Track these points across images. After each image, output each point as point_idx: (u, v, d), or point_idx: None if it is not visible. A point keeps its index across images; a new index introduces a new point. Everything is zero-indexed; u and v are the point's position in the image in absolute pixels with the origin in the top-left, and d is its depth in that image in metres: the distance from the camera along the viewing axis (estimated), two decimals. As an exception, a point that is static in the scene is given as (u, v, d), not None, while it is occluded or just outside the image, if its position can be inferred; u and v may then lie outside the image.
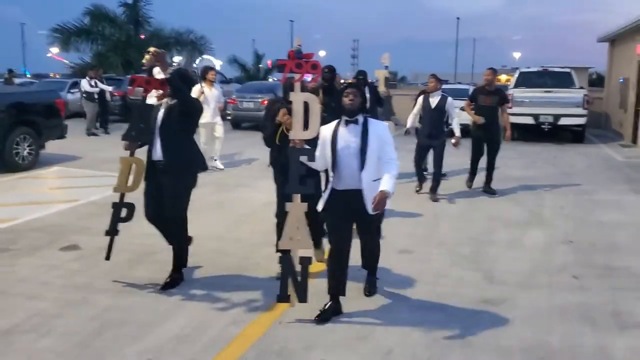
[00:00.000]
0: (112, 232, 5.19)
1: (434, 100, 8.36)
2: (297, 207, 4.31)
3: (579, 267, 5.59)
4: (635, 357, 3.84)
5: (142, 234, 5.78)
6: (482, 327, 4.26)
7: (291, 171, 4.31)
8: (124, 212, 5.11)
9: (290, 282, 4.28)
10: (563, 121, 15.82)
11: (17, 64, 64.52)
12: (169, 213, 4.95)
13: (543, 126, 15.91)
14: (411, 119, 8.86)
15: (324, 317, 4.30)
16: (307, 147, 4.30)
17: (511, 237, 6.64)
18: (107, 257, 5.27)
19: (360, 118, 4.28)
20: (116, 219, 5.12)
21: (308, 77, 4.90)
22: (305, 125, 4.32)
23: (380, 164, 4.24)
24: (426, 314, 4.47)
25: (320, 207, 4.40)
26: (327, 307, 4.36)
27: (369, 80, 9.69)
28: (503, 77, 37.83)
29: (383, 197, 4.07)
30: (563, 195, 8.98)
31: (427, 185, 8.73)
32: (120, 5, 26.04)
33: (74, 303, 4.61)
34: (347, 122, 4.27)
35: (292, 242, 4.31)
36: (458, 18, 69.01)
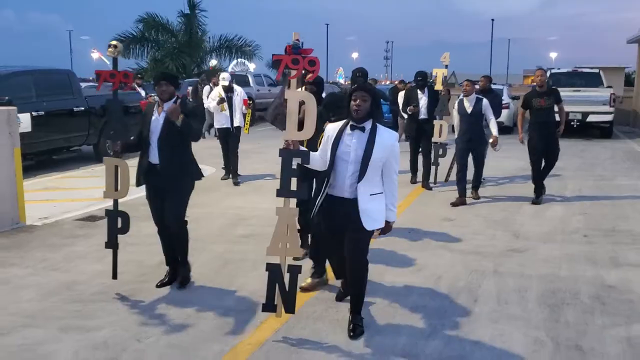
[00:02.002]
0: (112, 244, 5.05)
1: (469, 105, 8.23)
2: (286, 213, 4.12)
3: (589, 230, 6.95)
4: (622, 282, 5.21)
5: (233, 207, 7.32)
6: (509, 264, 5.71)
7: (282, 174, 4.08)
8: (119, 223, 5.00)
9: (277, 291, 4.13)
10: (591, 118, 16.98)
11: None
12: (169, 218, 4.98)
13: (572, 123, 17.07)
14: (454, 123, 8.64)
15: (341, 294, 4.71)
16: (302, 149, 4.11)
17: (535, 210, 8.02)
18: (114, 276, 5.14)
19: (369, 125, 3.96)
20: (113, 230, 5.01)
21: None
22: (300, 126, 4.10)
23: (380, 177, 4.01)
24: (466, 256, 5.93)
25: (313, 213, 4.24)
26: (342, 286, 4.71)
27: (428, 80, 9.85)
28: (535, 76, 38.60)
29: (389, 228, 4.16)
30: (584, 180, 10.27)
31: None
32: (180, 15, 27.98)
33: (197, 250, 6.14)
34: (353, 127, 3.97)
35: (281, 249, 4.13)
36: (493, 19, 69.64)
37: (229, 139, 10.24)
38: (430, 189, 9.39)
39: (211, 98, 10.43)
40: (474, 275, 5.39)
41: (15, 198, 7.11)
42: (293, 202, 4.23)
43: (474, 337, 4.14)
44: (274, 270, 4.09)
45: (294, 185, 4.18)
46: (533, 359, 3.83)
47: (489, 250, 6.16)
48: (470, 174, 8.47)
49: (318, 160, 4.16)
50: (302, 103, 4.18)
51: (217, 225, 7.24)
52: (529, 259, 5.88)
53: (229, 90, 10.19)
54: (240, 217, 7.62)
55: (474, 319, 4.45)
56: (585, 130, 17.28)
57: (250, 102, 11.23)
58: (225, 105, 10.06)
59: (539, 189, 8.51)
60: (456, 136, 8.55)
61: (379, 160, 3.92)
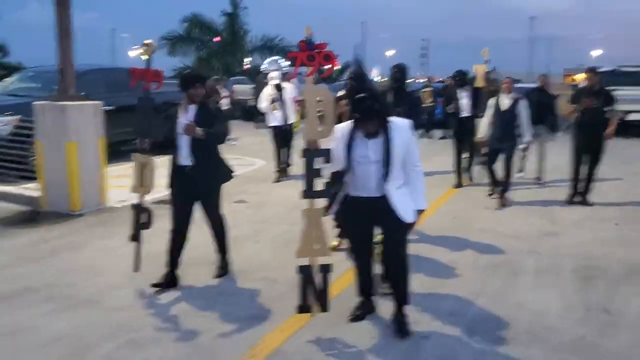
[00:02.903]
0: (136, 237, 5.15)
1: (506, 102, 8.11)
2: (313, 214, 4.09)
3: (620, 219, 7.46)
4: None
5: (289, 195, 8.02)
6: (545, 245, 6.32)
7: (305, 175, 4.03)
8: (144, 218, 5.10)
9: (310, 291, 4.12)
10: (632, 117, 17.20)
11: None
12: (210, 219, 5.19)
13: (612, 121, 17.33)
14: (484, 129, 8.42)
15: (357, 316, 4.36)
16: (323, 148, 4.03)
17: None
18: (136, 269, 5.21)
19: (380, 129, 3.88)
20: (137, 224, 5.12)
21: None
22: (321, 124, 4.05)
23: (402, 169, 3.95)
24: (505, 239, 6.54)
25: (333, 213, 4.22)
26: (358, 305, 4.42)
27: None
28: (578, 77, 38.48)
29: (418, 220, 4.07)
30: (621, 175, 10.68)
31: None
32: (223, 15, 28.93)
33: (263, 229, 6.91)
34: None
35: (310, 250, 4.10)
36: (532, 17, 69.28)
37: (283, 136, 10.41)
38: (472, 180, 9.69)
39: (262, 98, 10.63)
40: (513, 254, 6.01)
41: (100, 183, 7.99)
42: (319, 202, 4.16)
43: (513, 301, 4.77)
44: (305, 272, 4.08)
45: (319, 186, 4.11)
46: (567, 319, 4.44)
47: (527, 233, 6.77)
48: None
49: (337, 160, 4.05)
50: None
51: (275, 210, 7.98)
52: (562, 241, 6.47)
53: (279, 88, 10.35)
54: (296, 204, 8.34)
55: (512, 288, 5.08)
56: (626, 128, 17.48)
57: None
58: (277, 104, 10.21)
59: (574, 189, 8.30)
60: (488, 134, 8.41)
61: (399, 155, 3.87)
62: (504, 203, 8.12)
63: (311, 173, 4.02)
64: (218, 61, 27.62)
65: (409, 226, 4.03)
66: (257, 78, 18.66)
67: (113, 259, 5.84)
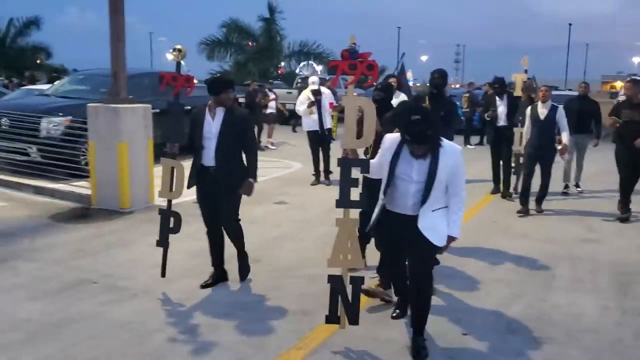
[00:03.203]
0: (163, 243, 5.17)
1: (543, 111, 7.98)
2: (347, 224, 4.05)
3: (660, 227, 7.52)
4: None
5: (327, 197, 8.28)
6: (582, 251, 6.43)
7: (341, 184, 4.00)
8: (171, 223, 5.12)
9: (340, 302, 4.07)
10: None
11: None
12: (225, 218, 5.16)
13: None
14: (525, 137, 8.35)
15: (399, 314, 4.51)
16: (361, 157, 4.09)
17: (610, 204, 8.57)
18: (163, 274, 5.24)
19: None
20: (165, 229, 5.15)
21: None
22: (360, 134, 4.03)
23: (444, 193, 3.86)
24: (543, 244, 6.67)
25: (370, 226, 4.15)
26: (397, 306, 4.56)
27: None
28: (618, 84, 38.10)
29: (450, 243, 3.95)
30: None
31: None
32: (259, 20, 29.38)
33: (304, 229, 7.16)
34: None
35: (342, 260, 4.07)
36: (570, 24, 68.41)
37: (320, 141, 10.39)
38: (510, 196, 9.12)
39: (300, 102, 10.67)
40: (552, 258, 6.14)
41: (148, 182, 8.34)
42: (354, 212, 4.15)
43: (551, 303, 4.93)
44: (336, 282, 4.04)
45: (354, 195, 4.07)
46: (602, 321, 4.59)
47: (564, 239, 6.90)
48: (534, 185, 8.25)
49: (376, 169, 4.03)
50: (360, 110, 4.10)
51: (315, 211, 8.21)
52: (600, 248, 6.58)
53: (317, 93, 10.36)
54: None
55: (551, 291, 5.23)
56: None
57: (337, 104, 12.03)
58: (314, 108, 10.23)
59: (625, 204, 7.93)
60: (524, 142, 8.40)
61: (443, 180, 3.77)
62: (540, 210, 8.11)
63: (347, 182, 3.98)
64: (255, 66, 28.03)
65: (437, 250, 3.95)
66: (299, 84, 18.91)
67: (169, 254, 6.13)
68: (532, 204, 8.23)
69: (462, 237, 6.78)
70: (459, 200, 3.89)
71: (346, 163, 3.98)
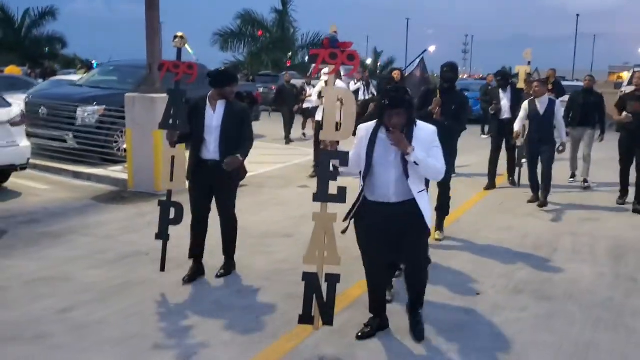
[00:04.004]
0: (162, 235, 5.06)
1: (541, 106, 7.94)
2: (323, 218, 3.92)
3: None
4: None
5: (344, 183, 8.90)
6: (582, 229, 7.08)
7: (319, 177, 3.95)
8: (172, 213, 5.02)
9: (314, 301, 3.92)
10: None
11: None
12: (224, 216, 5.15)
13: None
14: (518, 125, 8.27)
15: (365, 333, 4.07)
16: (341, 150, 3.94)
17: (609, 196, 9.17)
18: (162, 268, 5.15)
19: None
20: (165, 221, 5.03)
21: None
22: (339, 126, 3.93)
23: (423, 177, 3.85)
24: (545, 222, 7.31)
25: (348, 220, 3.97)
26: (369, 322, 4.14)
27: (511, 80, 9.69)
28: (625, 74, 38.33)
29: (404, 143, 3.65)
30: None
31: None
32: (273, 12, 30.02)
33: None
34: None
35: (318, 257, 3.93)
36: (578, 15, 68.42)
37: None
38: (515, 183, 9.48)
39: (314, 92, 10.78)
40: (555, 234, 6.78)
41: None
42: (332, 207, 3.98)
43: (553, 270, 5.58)
44: (311, 280, 3.90)
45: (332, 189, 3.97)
46: (597, 284, 5.24)
47: (566, 219, 7.52)
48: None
49: (355, 161, 3.91)
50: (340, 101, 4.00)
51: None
52: (599, 226, 7.21)
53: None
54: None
55: (553, 260, 5.87)
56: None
57: (370, 96, 12.31)
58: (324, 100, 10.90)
59: (624, 193, 8.32)
60: (524, 137, 8.45)
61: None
62: (545, 203, 8.06)
63: (325, 175, 3.90)
64: (268, 56, 28.68)
65: (427, 232, 3.94)
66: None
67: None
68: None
69: (472, 214, 7.55)
70: (439, 165, 3.79)
71: (325, 156, 3.91)
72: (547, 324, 4.41)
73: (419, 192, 3.79)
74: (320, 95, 10.33)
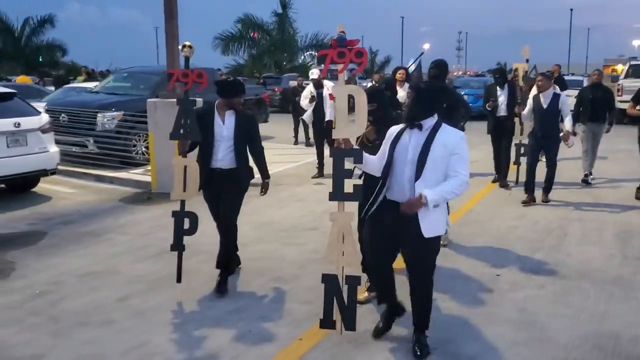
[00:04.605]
0: (178, 246, 5.02)
1: (545, 100, 7.83)
2: (341, 218, 3.83)
3: None
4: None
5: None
6: (591, 215, 7.51)
7: (334, 175, 3.83)
8: (186, 224, 4.97)
9: (335, 305, 3.82)
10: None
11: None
12: (225, 220, 5.13)
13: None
14: (527, 114, 8.23)
15: (379, 331, 4.06)
16: (355, 147, 3.86)
17: (611, 183, 9.62)
18: (179, 279, 5.08)
19: (429, 122, 3.67)
20: (180, 232, 4.99)
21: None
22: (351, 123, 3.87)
23: (441, 179, 3.63)
24: (554, 210, 7.75)
25: (364, 214, 3.93)
26: (381, 315, 4.14)
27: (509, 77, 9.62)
28: (619, 67, 38.91)
29: (417, 201, 3.55)
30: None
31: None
32: (274, 15, 30.45)
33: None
34: (411, 127, 3.71)
35: (337, 258, 3.83)
36: (571, 9, 69.12)
37: (321, 133, 10.25)
38: (507, 186, 9.21)
39: (304, 96, 10.72)
40: (565, 221, 7.23)
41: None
42: (348, 205, 3.98)
43: (566, 253, 6.02)
44: (330, 282, 3.80)
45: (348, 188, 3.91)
46: (607, 264, 5.68)
47: (575, 207, 7.98)
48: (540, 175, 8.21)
49: (375, 163, 3.88)
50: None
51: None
52: (606, 212, 7.65)
53: (318, 85, 10.32)
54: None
55: (564, 244, 6.32)
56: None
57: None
58: (312, 100, 10.27)
59: None
60: (529, 132, 8.44)
61: (439, 159, 3.59)
62: (547, 200, 8.07)
63: (340, 174, 3.81)
64: (270, 58, 29.10)
65: (433, 242, 3.75)
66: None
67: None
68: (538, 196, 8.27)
69: (483, 205, 7.95)
70: (458, 180, 3.61)
71: (339, 154, 3.82)
72: (564, 299, 4.85)
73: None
74: (312, 99, 10.42)
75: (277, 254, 6.11)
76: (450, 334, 4.21)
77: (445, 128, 3.69)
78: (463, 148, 3.66)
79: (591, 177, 9.56)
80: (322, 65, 4.15)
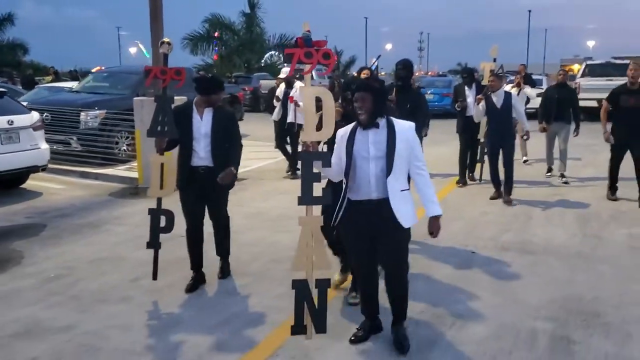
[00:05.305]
0: (154, 244, 4.99)
1: (498, 100, 7.95)
2: (310, 222, 3.79)
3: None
4: (631, 209, 7.65)
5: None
6: (553, 202, 8.21)
7: (303, 179, 3.77)
8: (163, 221, 4.95)
9: (306, 309, 3.78)
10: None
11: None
12: (217, 217, 5.19)
13: (606, 108, 19.25)
14: (479, 112, 8.28)
15: (359, 337, 4.05)
16: (321, 151, 3.84)
17: (571, 172, 10.36)
18: (155, 277, 5.10)
19: (382, 120, 3.73)
20: (156, 229, 4.96)
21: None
22: (319, 126, 3.81)
23: (406, 173, 3.78)
24: (521, 198, 8.40)
25: (334, 221, 3.91)
26: (362, 325, 4.13)
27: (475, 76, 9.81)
28: (576, 67, 40.40)
29: (437, 226, 3.80)
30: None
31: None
32: (242, 15, 30.78)
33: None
34: (364, 127, 3.75)
35: (307, 262, 3.79)
36: (529, 10, 71.12)
37: (284, 133, 10.45)
38: (474, 179, 9.62)
39: (276, 95, 10.78)
40: (529, 206, 7.93)
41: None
42: (317, 209, 4.00)
43: (531, 233, 6.71)
44: (301, 287, 3.75)
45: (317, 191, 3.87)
46: (569, 242, 6.37)
47: (539, 195, 8.69)
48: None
49: (334, 166, 3.85)
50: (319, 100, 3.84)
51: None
52: (567, 199, 8.38)
53: (288, 85, 10.36)
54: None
55: (530, 226, 7.00)
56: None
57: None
58: (277, 100, 10.44)
59: (614, 187, 8.20)
60: (484, 133, 8.70)
61: (403, 151, 3.69)
62: (509, 200, 8.05)
63: (309, 177, 3.75)
64: (239, 57, 29.44)
65: (408, 233, 3.89)
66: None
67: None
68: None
69: (455, 195, 8.58)
70: (425, 178, 3.78)
71: (307, 157, 3.77)
72: (533, 270, 5.51)
73: (401, 191, 3.75)
74: (277, 99, 10.51)
75: (270, 240, 6.61)
76: (436, 299, 4.81)
77: (397, 122, 3.79)
78: (417, 141, 3.84)
79: (564, 180, 9.52)
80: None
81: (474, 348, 4.02)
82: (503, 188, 8.17)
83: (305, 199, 3.76)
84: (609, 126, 8.05)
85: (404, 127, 3.76)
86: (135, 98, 9.90)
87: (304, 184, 3.76)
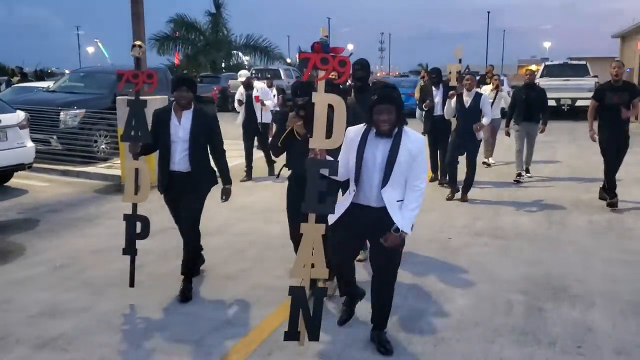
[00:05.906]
0: (129, 250, 4.92)
1: (467, 100, 8.16)
2: (312, 229, 3.72)
3: (574, 175, 10.04)
4: (592, 198, 8.32)
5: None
6: (521, 194, 8.83)
7: (309, 187, 3.67)
8: (138, 228, 4.87)
9: (301, 316, 3.75)
10: (579, 103, 20.09)
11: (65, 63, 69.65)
12: (187, 226, 4.99)
13: (563, 107, 20.30)
14: (449, 109, 8.46)
15: (345, 316, 4.30)
16: (329, 158, 3.70)
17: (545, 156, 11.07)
18: (132, 284, 5.01)
19: (394, 130, 3.72)
20: (132, 236, 4.89)
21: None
22: (329, 133, 3.65)
23: (404, 184, 3.75)
24: (490, 190, 9.02)
25: (331, 220, 3.88)
26: (344, 303, 4.34)
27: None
28: (533, 67, 41.77)
29: (395, 239, 3.72)
30: (571, 147, 13.41)
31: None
32: (207, 15, 30.94)
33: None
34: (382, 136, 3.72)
35: (305, 270, 3.77)
36: (489, 12, 72.72)
37: (254, 134, 10.50)
38: (444, 184, 9.32)
39: (236, 98, 10.74)
40: (498, 198, 8.59)
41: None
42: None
43: (502, 221, 7.31)
44: (297, 294, 3.73)
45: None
46: (537, 228, 6.99)
47: (508, 188, 9.36)
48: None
49: (343, 167, 3.81)
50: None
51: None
52: (534, 191, 9.05)
53: (248, 87, 10.37)
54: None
55: (500, 215, 7.61)
56: (574, 113, 20.36)
57: (281, 95, 12.51)
58: (240, 102, 10.42)
59: (613, 188, 7.97)
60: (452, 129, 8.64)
61: (404, 165, 3.69)
62: (466, 199, 8.28)
63: (315, 185, 3.66)
64: (205, 57, 29.60)
65: (403, 241, 3.82)
66: (253, 75, 20.29)
67: (214, 210, 8.04)
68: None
69: (429, 186, 9.10)
70: (417, 194, 3.75)
71: (314, 164, 3.67)
72: (505, 253, 6.11)
73: (397, 201, 3.76)
74: (240, 102, 10.45)
75: (263, 231, 7.02)
76: (420, 278, 5.34)
77: (408, 132, 3.76)
78: (423, 152, 3.81)
79: (528, 175, 9.86)
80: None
81: (457, 317, 4.56)
82: (461, 188, 8.34)
83: (310, 206, 3.68)
84: (595, 124, 8.09)
85: (412, 139, 3.74)
86: (118, 97, 10.15)
87: (310, 191, 3.66)
